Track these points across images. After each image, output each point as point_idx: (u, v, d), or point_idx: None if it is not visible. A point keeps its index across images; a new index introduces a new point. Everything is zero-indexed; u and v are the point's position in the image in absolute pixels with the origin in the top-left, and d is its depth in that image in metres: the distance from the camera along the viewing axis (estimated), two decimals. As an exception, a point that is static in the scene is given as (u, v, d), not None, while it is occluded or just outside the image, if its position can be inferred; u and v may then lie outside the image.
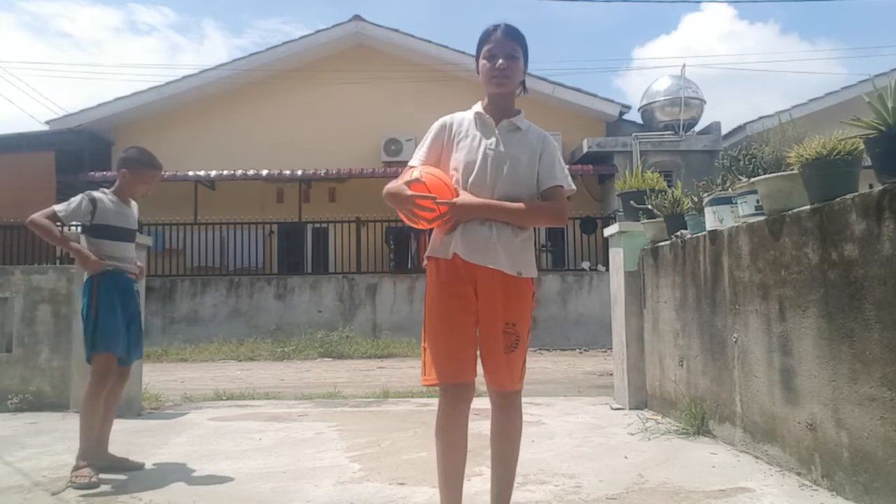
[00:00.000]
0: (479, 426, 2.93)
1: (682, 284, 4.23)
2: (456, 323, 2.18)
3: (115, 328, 3.32)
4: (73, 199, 3.40)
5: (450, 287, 2.20)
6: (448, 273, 2.20)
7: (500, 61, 2.22)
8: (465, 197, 2.18)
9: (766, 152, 3.50)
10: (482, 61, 2.27)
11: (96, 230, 3.39)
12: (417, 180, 2.12)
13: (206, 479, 3.19)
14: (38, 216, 3.34)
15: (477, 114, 2.32)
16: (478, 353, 2.23)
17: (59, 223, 3.39)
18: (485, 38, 2.27)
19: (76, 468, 3.13)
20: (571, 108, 14.76)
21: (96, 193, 3.45)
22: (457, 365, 2.17)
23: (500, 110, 2.30)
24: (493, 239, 2.17)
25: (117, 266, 3.41)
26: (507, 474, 2.31)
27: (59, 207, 3.37)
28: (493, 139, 2.25)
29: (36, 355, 5.23)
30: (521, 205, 2.20)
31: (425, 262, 2.30)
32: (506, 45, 2.24)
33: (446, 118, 2.36)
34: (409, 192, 2.10)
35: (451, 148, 2.28)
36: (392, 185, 2.16)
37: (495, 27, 2.27)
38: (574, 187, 2.33)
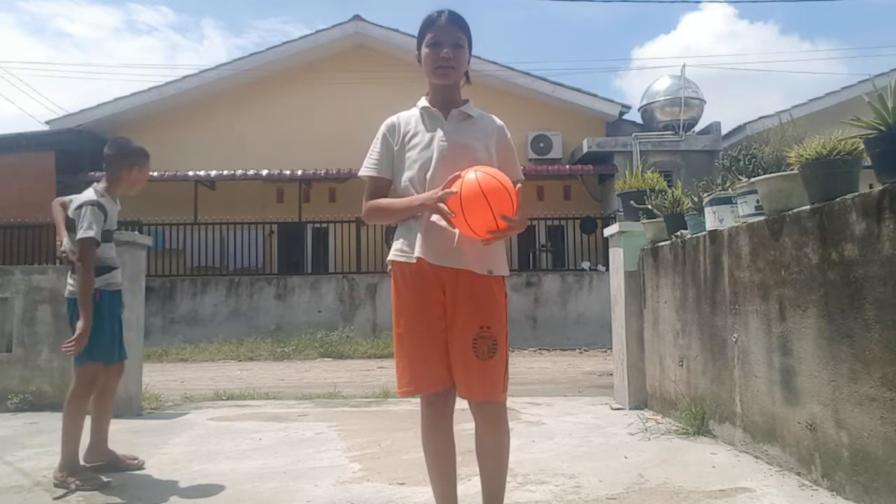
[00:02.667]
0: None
1: (682, 284, 4.23)
2: (428, 330, 2.07)
3: (105, 337, 3.26)
4: (91, 218, 3.13)
5: (417, 292, 2.09)
6: (414, 278, 2.09)
7: (445, 50, 2.10)
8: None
9: (766, 152, 3.49)
10: (425, 49, 2.14)
11: (101, 235, 3.22)
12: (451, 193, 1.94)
13: (206, 479, 3.19)
14: (92, 259, 3.11)
15: (423, 108, 2.21)
16: None
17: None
18: (428, 24, 2.15)
19: (70, 474, 3.03)
20: (571, 107, 14.76)
21: (101, 200, 3.23)
22: (433, 373, 2.08)
23: (447, 101, 2.19)
24: (459, 238, 2.03)
25: (114, 269, 3.36)
26: (496, 488, 2.17)
27: (95, 235, 3.11)
28: (443, 131, 2.14)
29: (36, 355, 5.23)
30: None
31: (389, 268, 2.19)
32: (451, 33, 2.12)
33: (392, 118, 2.24)
34: (440, 193, 1.95)
35: (402, 148, 2.16)
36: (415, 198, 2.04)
37: (439, 13, 2.14)
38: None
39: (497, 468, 2.16)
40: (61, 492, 2.99)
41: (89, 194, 3.27)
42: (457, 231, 2.02)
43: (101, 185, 3.34)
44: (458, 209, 1.93)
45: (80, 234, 3.13)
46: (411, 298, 2.11)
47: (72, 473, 3.07)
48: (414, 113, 2.23)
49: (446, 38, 2.12)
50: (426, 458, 2.22)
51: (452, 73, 2.15)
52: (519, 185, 2.08)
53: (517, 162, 2.25)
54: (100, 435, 3.40)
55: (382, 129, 2.24)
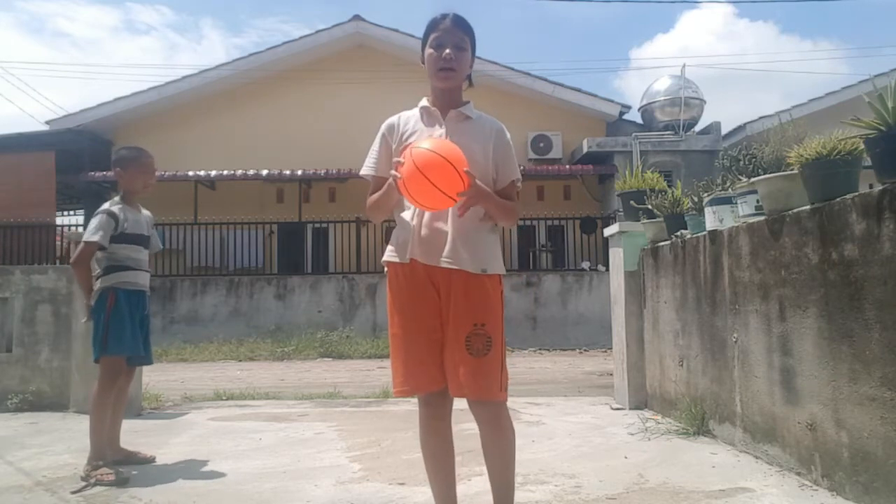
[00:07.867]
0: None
1: (682, 284, 4.23)
2: (421, 330, 2.08)
3: (125, 332, 3.35)
4: (98, 223, 3.31)
5: (411, 293, 2.10)
6: (408, 278, 2.10)
7: (447, 51, 2.11)
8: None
9: (766, 152, 3.49)
10: (428, 50, 2.15)
11: (112, 239, 3.37)
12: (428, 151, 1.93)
13: (206, 479, 3.19)
14: (82, 260, 3.30)
15: (423, 108, 2.22)
16: None
17: (101, 248, 3.34)
18: (432, 26, 2.15)
19: (94, 468, 3.13)
20: (571, 108, 14.76)
21: (112, 208, 3.40)
22: (427, 373, 2.08)
23: (448, 102, 2.20)
24: (452, 237, 2.06)
25: (132, 270, 3.45)
26: (504, 486, 2.17)
27: (94, 238, 3.27)
28: (441, 130, 2.14)
29: (36, 355, 5.23)
30: (508, 202, 2.13)
31: (385, 270, 2.20)
32: (454, 35, 2.13)
33: (392, 118, 2.25)
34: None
35: (400, 146, 2.15)
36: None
37: (444, 16, 2.14)
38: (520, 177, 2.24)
39: (502, 467, 2.16)
40: (81, 485, 3.05)
41: (103, 206, 3.46)
42: (448, 231, 2.06)
43: (116, 196, 3.54)
44: (403, 184, 1.94)
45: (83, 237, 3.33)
46: (405, 299, 2.12)
47: (96, 468, 3.14)
48: (414, 112, 2.25)
49: (449, 39, 2.13)
50: (424, 457, 2.24)
51: (453, 75, 2.15)
52: (518, 183, 2.18)
53: (515, 162, 2.24)
54: (113, 433, 3.46)
55: (382, 128, 2.26)
